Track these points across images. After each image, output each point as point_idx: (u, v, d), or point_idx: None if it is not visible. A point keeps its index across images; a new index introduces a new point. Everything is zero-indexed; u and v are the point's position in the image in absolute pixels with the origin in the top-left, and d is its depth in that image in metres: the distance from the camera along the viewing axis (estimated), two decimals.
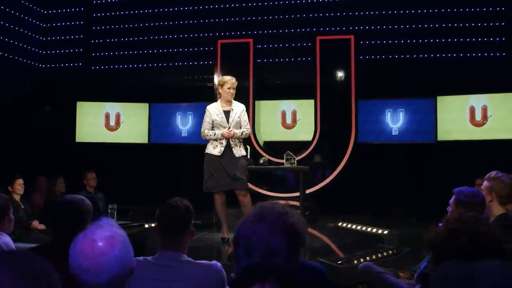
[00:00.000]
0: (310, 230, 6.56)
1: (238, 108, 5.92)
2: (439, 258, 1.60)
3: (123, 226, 4.83)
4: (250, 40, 8.78)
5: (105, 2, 10.08)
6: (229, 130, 5.71)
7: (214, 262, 2.62)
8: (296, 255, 1.59)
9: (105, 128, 9.37)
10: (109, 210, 5.04)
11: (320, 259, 4.47)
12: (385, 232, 6.19)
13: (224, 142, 5.74)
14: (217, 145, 5.74)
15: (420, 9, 8.88)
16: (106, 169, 8.88)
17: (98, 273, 1.62)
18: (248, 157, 6.30)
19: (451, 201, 3.45)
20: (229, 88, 5.81)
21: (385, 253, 4.87)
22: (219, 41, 8.86)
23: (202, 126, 5.87)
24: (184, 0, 9.79)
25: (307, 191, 8.11)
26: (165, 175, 9.19)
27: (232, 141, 5.77)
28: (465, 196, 3.35)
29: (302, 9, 9.34)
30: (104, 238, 1.66)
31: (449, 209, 3.45)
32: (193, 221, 2.67)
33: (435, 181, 8.09)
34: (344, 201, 8.34)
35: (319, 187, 8.32)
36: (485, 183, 3.80)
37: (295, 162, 6.82)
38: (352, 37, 8.51)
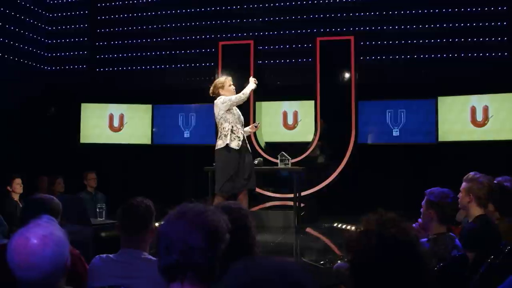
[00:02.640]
0: (305, 230, 6.60)
1: None
2: (354, 260, 1.59)
3: (110, 225, 4.90)
4: (251, 42, 8.84)
5: (109, 6, 10.22)
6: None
7: None
8: (215, 252, 1.63)
9: (109, 129, 9.51)
10: (97, 210, 5.13)
11: (303, 259, 4.50)
12: None
13: (241, 136, 5.57)
14: (234, 138, 5.51)
15: (420, 9, 8.83)
16: (110, 170, 9.03)
17: (29, 270, 1.68)
18: None
19: (423, 202, 3.45)
20: (230, 86, 5.83)
21: None
22: (220, 43, 8.93)
23: (230, 98, 5.64)
24: (185, 2, 9.88)
25: (309, 192, 8.19)
26: (168, 175, 9.29)
27: (246, 136, 5.70)
28: (435, 197, 3.34)
29: (302, 10, 9.35)
30: (38, 237, 1.72)
31: (422, 210, 3.45)
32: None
33: (436, 182, 7.92)
34: (345, 202, 8.32)
35: (319, 188, 8.35)
36: (463, 184, 3.77)
37: (289, 163, 6.84)
38: (352, 38, 8.50)
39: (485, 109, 8.12)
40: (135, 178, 9.26)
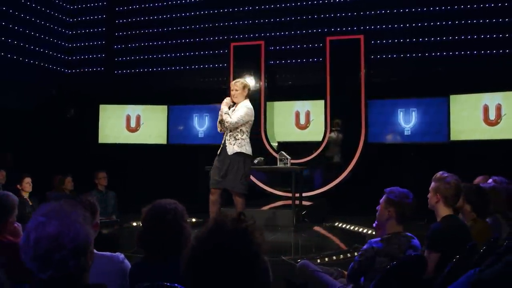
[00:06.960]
0: (308, 229, 6.63)
1: (238, 105, 5.76)
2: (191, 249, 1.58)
3: (101, 223, 5.12)
4: (262, 42, 8.92)
5: (126, 10, 10.53)
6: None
7: (117, 253, 2.78)
8: None
9: (126, 130, 9.78)
10: None
11: (283, 257, 4.55)
12: (374, 232, 6.14)
13: (223, 141, 5.80)
14: (221, 145, 5.83)
15: (431, 6, 8.69)
16: (127, 169, 9.29)
17: None
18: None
19: (381, 200, 3.44)
20: (231, 90, 5.79)
21: (355, 253, 4.86)
22: (232, 44, 9.06)
23: None
24: (197, 5, 10.05)
25: (318, 191, 8.23)
26: (183, 174, 9.46)
27: (227, 139, 5.73)
28: (395, 196, 3.34)
29: (312, 10, 9.37)
30: None
31: (378, 208, 3.45)
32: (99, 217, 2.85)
33: None
34: (356, 201, 8.29)
35: (329, 187, 8.36)
36: (432, 184, 3.75)
37: (289, 162, 6.89)
38: (362, 36, 8.47)
39: (498, 108, 7.91)
40: (152, 177, 9.47)
